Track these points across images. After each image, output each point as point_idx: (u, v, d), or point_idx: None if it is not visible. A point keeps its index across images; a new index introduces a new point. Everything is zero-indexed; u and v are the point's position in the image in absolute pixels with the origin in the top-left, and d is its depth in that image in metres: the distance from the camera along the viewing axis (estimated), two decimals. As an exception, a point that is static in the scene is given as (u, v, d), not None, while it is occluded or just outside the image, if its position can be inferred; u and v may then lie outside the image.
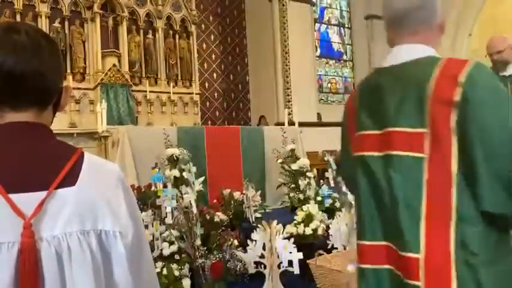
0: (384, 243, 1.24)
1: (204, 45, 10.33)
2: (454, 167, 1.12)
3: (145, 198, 3.71)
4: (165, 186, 3.76)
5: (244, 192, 4.28)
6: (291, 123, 6.96)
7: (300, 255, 3.26)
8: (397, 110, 1.22)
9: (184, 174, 3.95)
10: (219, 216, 3.75)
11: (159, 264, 3.13)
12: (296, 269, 3.23)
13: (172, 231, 3.35)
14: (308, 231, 3.73)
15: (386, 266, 1.23)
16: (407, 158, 1.18)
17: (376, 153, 1.26)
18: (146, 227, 3.42)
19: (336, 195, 4.84)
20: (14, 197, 0.81)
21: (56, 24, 7.29)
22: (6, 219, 0.80)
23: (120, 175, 0.96)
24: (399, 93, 1.22)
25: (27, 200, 0.82)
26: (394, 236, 1.21)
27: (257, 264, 3.40)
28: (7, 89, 0.88)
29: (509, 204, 1.09)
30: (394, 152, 1.21)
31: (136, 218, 0.96)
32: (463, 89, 1.10)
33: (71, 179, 0.87)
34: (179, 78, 8.70)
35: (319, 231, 3.81)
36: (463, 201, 1.11)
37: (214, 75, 10.49)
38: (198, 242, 3.28)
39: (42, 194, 0.83)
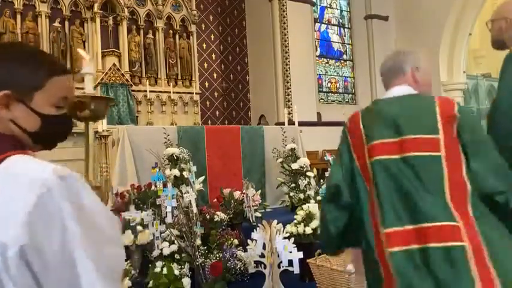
0: (410, 227, 1.49)
1: (204, 45, 10.33)
2: (463, 161, 1.56)
3: (146, 198, 3.71)
4: (165, 185, 3.77)
5: (244, 191, 4.28)
6: (291, 122, 6.96)
7: (300, 254, 3.26)
8: (412, 124, 1.61)
9: (185, 173, 3.95)
10: (219, 215, 3.75)
11: (159, 263, 3.13)
12: (296, 269, 3.23)
13: (172, 230, 3.35)
14: (308, 230, 3.72)
15: (416, 246, 1.46)
16: (427, 156, 1.55)
17: (394, 156, 1.59)
18: (146, 226, 3.42)
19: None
20: None
21: (56, 24, 7.28)
22: None
23: (45, 183, 0.85)
24: (410, 113, 1.65)
25: None
26: (423, 217, 1.48)
27: (257, 263, 3.40)
28: None
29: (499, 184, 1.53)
30: (414, 153, 1.56)
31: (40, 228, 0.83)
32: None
33: None
34: (179, 77, 8.70)
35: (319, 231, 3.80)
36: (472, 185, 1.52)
37: (214, 74, 10.49)
38: (198, 241, 3.28)
39: None
